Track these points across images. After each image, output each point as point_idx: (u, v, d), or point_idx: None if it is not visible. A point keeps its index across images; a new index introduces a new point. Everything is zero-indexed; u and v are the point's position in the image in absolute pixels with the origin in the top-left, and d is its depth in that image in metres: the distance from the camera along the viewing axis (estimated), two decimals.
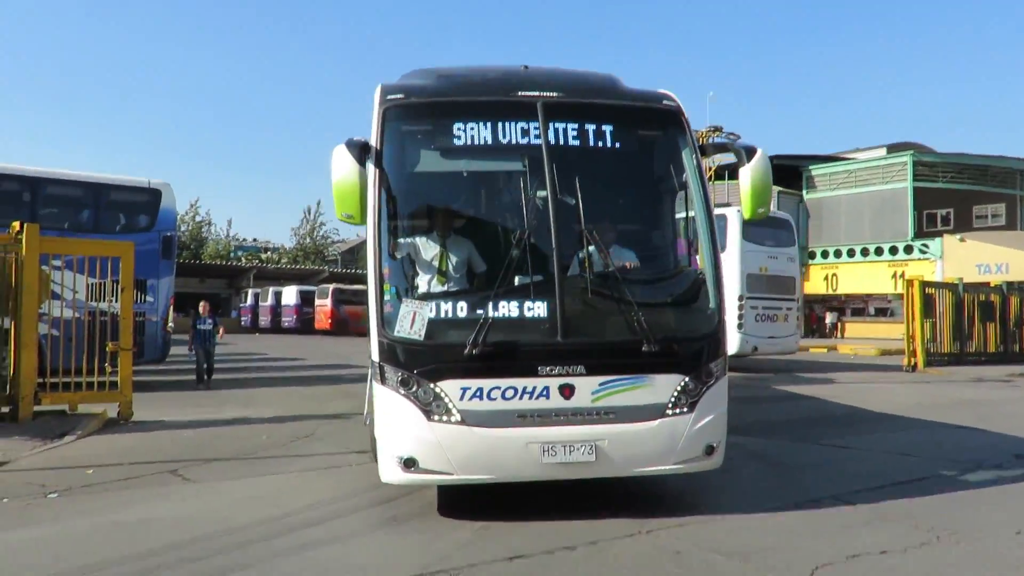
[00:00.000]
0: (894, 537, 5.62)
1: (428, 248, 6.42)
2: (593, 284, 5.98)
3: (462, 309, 5.77)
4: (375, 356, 5.72)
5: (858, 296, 44.32)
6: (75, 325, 11.11)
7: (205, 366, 15.88)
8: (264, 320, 49.89)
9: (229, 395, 14.50)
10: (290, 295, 48.55)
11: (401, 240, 6.20)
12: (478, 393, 5.56)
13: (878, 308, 44.38)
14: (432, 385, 5.56)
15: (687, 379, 5.85)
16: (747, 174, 6.39)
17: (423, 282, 6.30)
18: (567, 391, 5.64)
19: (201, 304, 16.48)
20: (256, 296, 51.59)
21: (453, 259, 6.40)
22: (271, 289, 50.42)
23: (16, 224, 10.38)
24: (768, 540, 5.56)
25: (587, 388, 5.67)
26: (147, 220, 16.09)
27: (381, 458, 5.72)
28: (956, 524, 5.94)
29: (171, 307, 16.49)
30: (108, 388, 10.95)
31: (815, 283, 43.81)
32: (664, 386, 5.81)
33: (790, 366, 22.46)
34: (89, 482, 7.32)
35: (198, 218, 61.93)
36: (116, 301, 11.09)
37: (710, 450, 5.96)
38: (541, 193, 6.04)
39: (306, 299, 47.55)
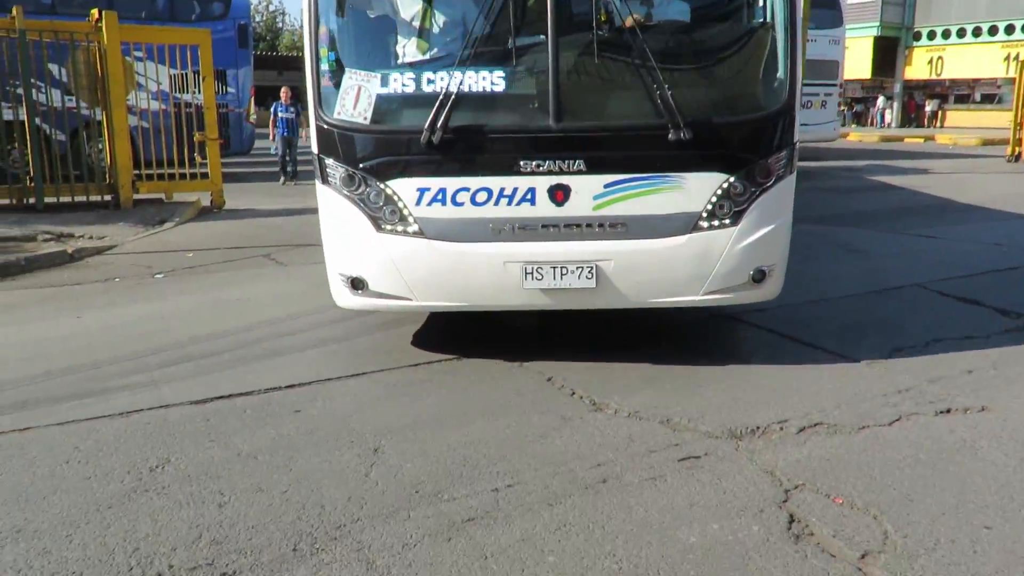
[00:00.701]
0: (979, 323, 5.57)
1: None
2: (603, 46, 4.33)
3: (419, 81, 4.34)
4: (314, 147, 4.54)
5: (964, 81, 41.22)
6: (162, 117, 11.33)
7: (288, 159, 15.14)
8: None
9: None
10: None
11: None
12: (439, 196, 4.33)
13: (985, 95, 41.34)
14: (381, 185, 4.35)
15: (732, 179, 4.34)
16: None
17: (368, 46, 4.80)
18: (559, 195, 4.31)
19: (283, 90, 15.37)
20: None
21: (404, 11, 4.66)
22: None
23: (95, 12, 10.36)
24: (848, 320, 5.59)
25: (587, 191, 4.31)
26: (221, 8, 15.85)
27: (329, 276, 4.73)
28: None
29: (252, 98, 16.55)
30: (200, 178, 11.34)
31: (917, 68, 40.82)
32: (698, 189, 4.35)
33: (882, 155, 21.52)
34: (190, 264, 7.77)
35: (272, 7, 60.78)
36: (199, 92, 11.20)
37: (760, 276, 4.52)
38: None
39: None
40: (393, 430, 3.85)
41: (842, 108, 22.48)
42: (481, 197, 4.32)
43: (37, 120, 10.26)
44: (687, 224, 4.37)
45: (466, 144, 4.32)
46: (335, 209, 4.52)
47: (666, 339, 5.26)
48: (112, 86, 10.36)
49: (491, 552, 2.83)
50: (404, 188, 4.35)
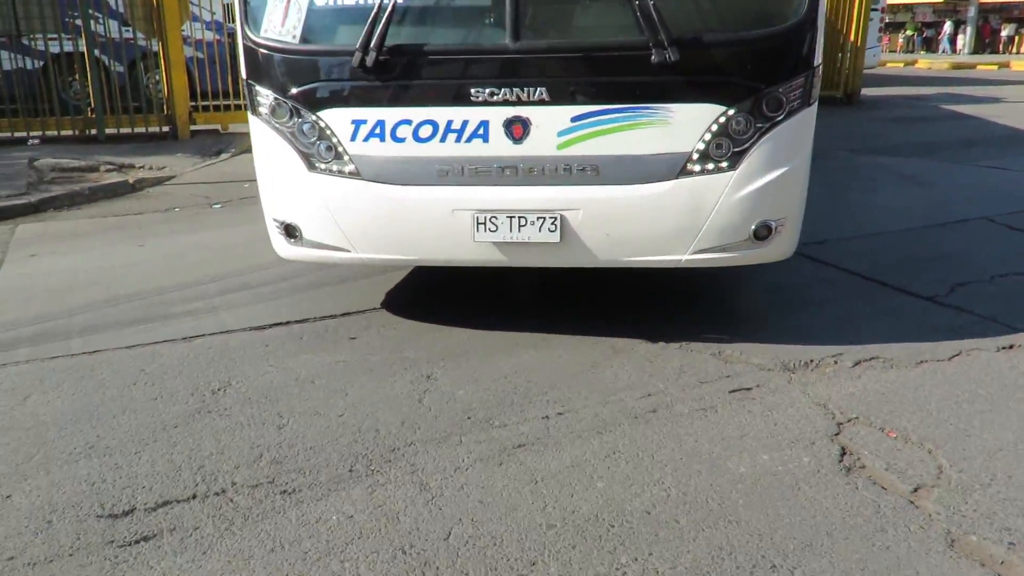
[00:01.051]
0: None
1: None
2: None
3: None
4: (243, 71, 3.98)
5: None
6: (217, 47, 11.37)
7: None
8: None
9: None
10: None
11: None
12: (377, 130, 3.72)
13: None
14: (313, 116, 3.77)
15: (731, 112, 3.56)
16: None
17: None
18: (518, 130, 3.64)
19: None
20: None
21: None
22: None
23: None
24: (909, 253, 5.45)
25: (551, 125, 3.62)
26: None
27: (266, 221, 4.19)
28: None
29: None
30: None
31: None
32: (687, 124, 3.59)
33: (953, 83, 20.60)
34: (246, 195, 7.87)
35: None
36: None
37: (765, 232, 3.75)
38: None
39: None
40: (446, 358, 3.91)
41: (881, 32, 21.09)
42: (425, 132, 3.70)
43: (96, 51, 10.40)
44: (673, 167, 3.64)
45: (406, 67, 3.66)
46: (265, 144, 3.96)
47: (719, 271, 5.19)
48: (167, 16, 10.41)
49: (541, 477, 2.88)
50: (338, 120, 3.76)
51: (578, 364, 3.83)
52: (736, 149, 3.60)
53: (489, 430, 3.21)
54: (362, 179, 3.79)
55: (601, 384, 3.61)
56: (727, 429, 3.20)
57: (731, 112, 3.55)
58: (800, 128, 3.69)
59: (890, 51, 38.06)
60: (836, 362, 3.81)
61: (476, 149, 3.67)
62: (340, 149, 3.78)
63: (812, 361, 3.82)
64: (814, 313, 4.45)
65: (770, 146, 3.62)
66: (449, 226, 3.76)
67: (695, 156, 3.61)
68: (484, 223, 3.72)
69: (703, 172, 3.63)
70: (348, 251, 3.93)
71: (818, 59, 3.64)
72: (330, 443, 3.13)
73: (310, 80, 3.76)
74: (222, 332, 4.27)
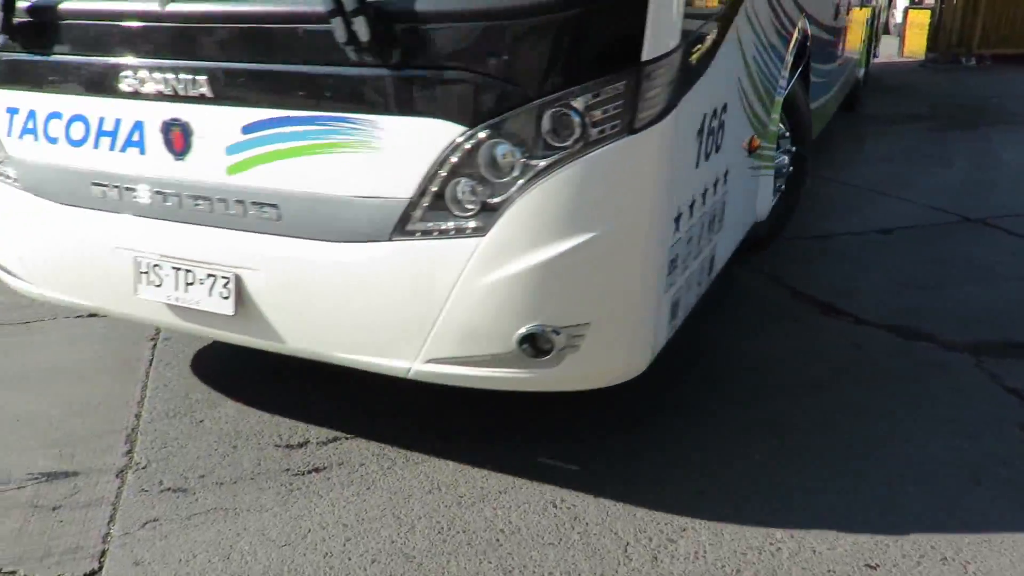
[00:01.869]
0: None
1: None
2: None
3: None
4: None
5: None
6: None
7: None
8: None
9: None
10: None
11: None
12: (31, 123, 2.74)
13: None
14: None
15: (481, 134, 2.10)
16: None
17: None
18: (178, 138, 2.46)
19: None
20: None
21: None
22: None
23: None
24: None
25: (218, 136, 2.40)
26: None
27: None
28: None
29: None
30: None
31: None
32: (404, 150, 2.18)
33: None
34: None
35: None
36: None
37: (545, 345, 2.23)
38: None
39: None
40: None
41: None
42: (77, 131, 2.64)
43: None
44: (384, 221, 2.24)
45: (45, 32, 2.60)
46: None
47: (912, 239, 4.85)
48: None
49: (695, 444, 2.84)
50: None
51: (735, 332, 3.71)
52: (490, 199, 2.14)
53: (640, 397, 3.18)
54: (22, 188, 2.83)
55: (761, 353, 3.49)
56: (901, 410, 3.02)
57: (481, 135, 2.10)
58: (618, 169, 2.12)
59: None
60: None
61: (131, 163, 2.56)
62: (3, 144, 2.86)
63: (1005, 344, 3.52)
64: (1008, 291, 4.08)
65: (553, 197, 2.11)
66: (110, 269, 2.68)
67: (421, 204, 2.20)
68: (147, 272, 2.60)
69: (432, 233, 2.21)
70: (28, 283, 2.98)
71: (659, 47, 2.06)
72: (487, 398, 3.20)
73: None
74: None
